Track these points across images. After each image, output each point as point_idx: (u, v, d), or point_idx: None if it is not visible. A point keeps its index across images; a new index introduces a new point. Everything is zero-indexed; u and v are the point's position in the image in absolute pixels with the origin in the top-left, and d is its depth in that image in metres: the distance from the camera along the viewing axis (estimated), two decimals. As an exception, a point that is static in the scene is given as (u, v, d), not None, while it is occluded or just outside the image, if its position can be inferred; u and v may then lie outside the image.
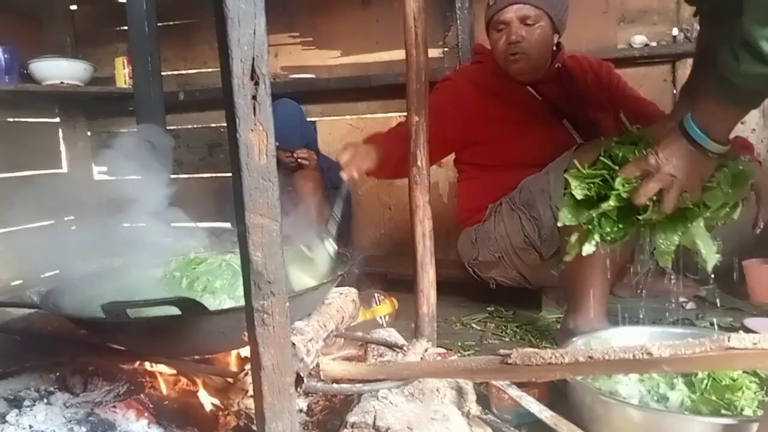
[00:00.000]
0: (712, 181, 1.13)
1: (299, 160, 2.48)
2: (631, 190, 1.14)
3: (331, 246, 1.39)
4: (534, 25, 1.85)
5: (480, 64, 2.03)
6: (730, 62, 0.98)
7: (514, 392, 1.07)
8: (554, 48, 1.96)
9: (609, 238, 1.20)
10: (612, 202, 1.15)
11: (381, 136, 1.79)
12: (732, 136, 1.95)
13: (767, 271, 1.94)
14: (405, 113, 1.45)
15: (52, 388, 1.13)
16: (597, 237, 1.20)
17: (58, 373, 1.16)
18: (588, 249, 1.22)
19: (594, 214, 1.18)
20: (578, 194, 1.19)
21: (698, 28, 1.42)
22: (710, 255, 1.14)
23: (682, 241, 1.16)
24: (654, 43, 2.37)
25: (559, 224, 1.26)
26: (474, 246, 1.96)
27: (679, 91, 1.38)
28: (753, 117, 2.33)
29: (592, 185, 1.19)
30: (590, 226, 1.20)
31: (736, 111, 1.06)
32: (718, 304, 1.89)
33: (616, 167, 1.17)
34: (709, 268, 1.16)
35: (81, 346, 1.22)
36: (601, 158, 1.21)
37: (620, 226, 1.19)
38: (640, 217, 1.15)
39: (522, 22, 1.85)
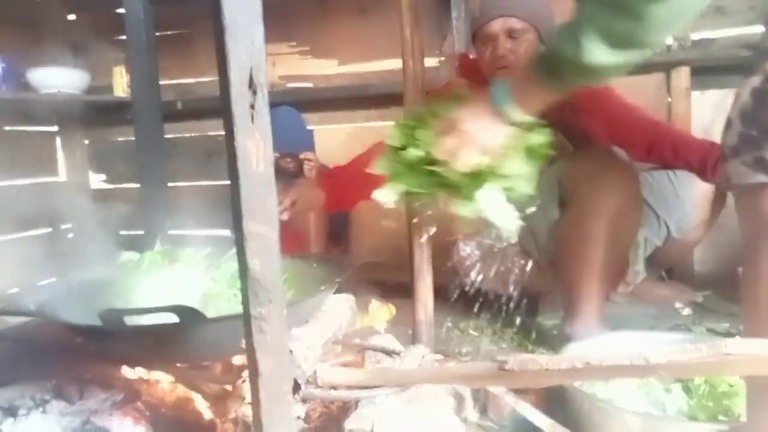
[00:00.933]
0: (508, 148, 1.11)
1: (305, 162, 2.49)
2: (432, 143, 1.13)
3: None
4: (520, 38, 1.82)
5: (467, 80, 1.97)
6: (557, 39, 0.98)
7: (511, 399, 1.07)
8: None
9: (411, 190, 1.17)
10: (413, 151, 1.14)
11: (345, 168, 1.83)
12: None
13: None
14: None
15: (47, 397, 1.12)
16: (400, 187, 1.17)
17: (54, 382, 1.16)
18: (384, 195, 1.18)
19: (400, 163, 1.16)
20: (394, 143, 1.18)
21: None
22: (505, 223, 1.12)
23: (479, 207, 1.12)
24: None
25: (372, 171, 1.21)
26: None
27: None
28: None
29: (408, 136, 1.17)
30: (396, 176, 1.18)
31: (547, 87, 1.05)
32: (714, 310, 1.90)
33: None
34: (506, 235, 1.14)
35: (78, 354, 1.22)
36: (422, 111, 1.20)
37: (424, 180, 1.16)
38: (438, 171, 1.13)
39: (508, 36, 1.82)
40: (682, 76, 2.33)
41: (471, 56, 2.07)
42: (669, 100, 2.40)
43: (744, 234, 0.86)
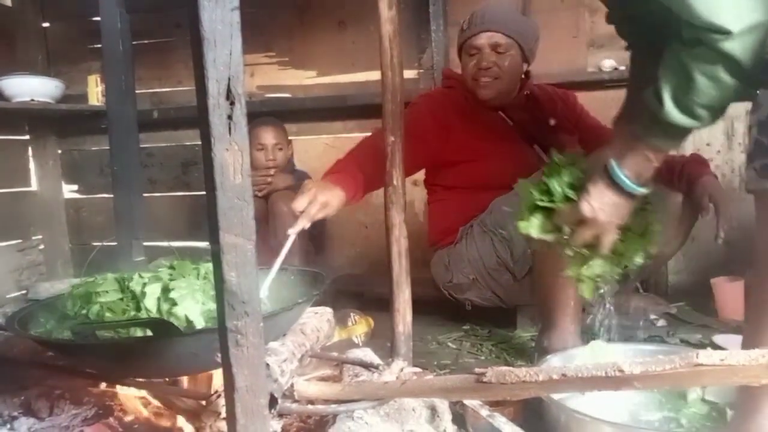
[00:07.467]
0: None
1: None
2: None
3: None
4: (504, 53, 1.92)
5: (451, 89, 2.07)
6: (654, 103, 0.96)
7: (485, 412, 1.07)
8: (523, 76, 2.04)
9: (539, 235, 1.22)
10: (544, 203, 1.18)
11: (345, 162, 1.69)
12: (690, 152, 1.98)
13: (734, 289, 1.98)
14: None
15: (16, 413, 1.09)
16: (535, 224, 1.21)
17: (23, 397, 1.13)
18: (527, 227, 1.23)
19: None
20: (528, 189, 1.21)
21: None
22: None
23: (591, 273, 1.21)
24: (623, 67, 2.43)
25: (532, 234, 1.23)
26: (447, 269, 1.97)
27: (612, 120, 1.30)
28: (717, 139, 2.40)
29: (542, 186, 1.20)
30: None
31: (663, 151, 1.03)
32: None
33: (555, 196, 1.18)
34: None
35: (47, 369, 1.19)
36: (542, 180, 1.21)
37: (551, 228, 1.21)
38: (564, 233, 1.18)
39: (493, 49, 1.92)
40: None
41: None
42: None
43: (759, 240, 0.87)
